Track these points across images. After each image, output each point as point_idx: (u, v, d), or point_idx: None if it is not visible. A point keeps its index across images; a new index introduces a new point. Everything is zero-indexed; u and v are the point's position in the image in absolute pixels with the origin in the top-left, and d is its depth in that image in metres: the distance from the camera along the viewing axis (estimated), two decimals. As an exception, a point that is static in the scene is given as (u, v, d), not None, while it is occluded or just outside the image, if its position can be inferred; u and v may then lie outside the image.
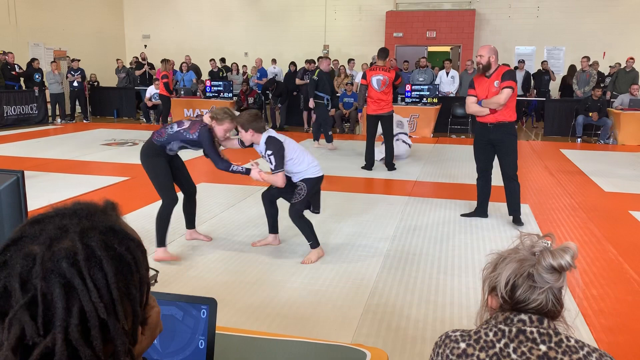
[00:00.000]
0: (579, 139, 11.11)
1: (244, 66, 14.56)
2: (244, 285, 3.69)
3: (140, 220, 4.86)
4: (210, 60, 14.55)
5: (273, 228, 4.46)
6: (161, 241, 4.07)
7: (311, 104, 9.83)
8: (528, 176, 7.46)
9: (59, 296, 0.67)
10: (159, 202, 4.12)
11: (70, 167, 7.64)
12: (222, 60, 15.06)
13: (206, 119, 4.07)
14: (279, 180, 3.97)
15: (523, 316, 1.22)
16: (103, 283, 0.71)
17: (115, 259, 0.73)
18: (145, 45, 14.41)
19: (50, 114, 13.27)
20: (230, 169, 4.01)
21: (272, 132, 4.06)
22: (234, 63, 14.66)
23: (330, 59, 11.25)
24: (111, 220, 0.78)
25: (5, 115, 12.07)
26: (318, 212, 4.37)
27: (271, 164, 3.97)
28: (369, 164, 7.77)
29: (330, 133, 9.62)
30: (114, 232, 0.76)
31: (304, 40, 16.60)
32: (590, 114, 10.90)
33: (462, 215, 5.49)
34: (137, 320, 0.77)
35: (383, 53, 7.68)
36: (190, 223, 4.55)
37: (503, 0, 15.70)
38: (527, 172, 7.73)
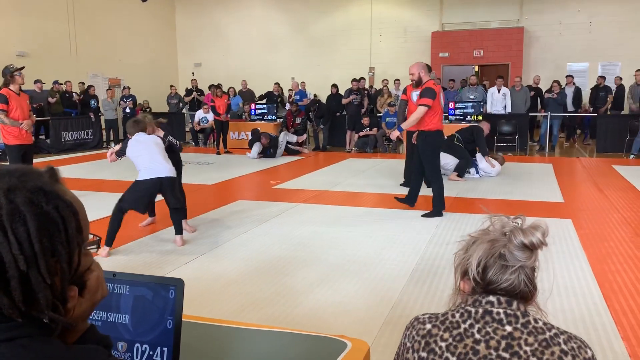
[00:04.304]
0: (631, 155, 10.60)
1: (290, 90, 14.80)
2: (265, 295, 3.70)
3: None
4: (275, 84, 14.72)
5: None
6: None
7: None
8: (575, 193, 7.15)
9: None
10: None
11: (119, 187, 7.91)
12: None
13: None
14: (109, 152, 5.15)
15: (491, 298, 1.17)
16: (25, 237, 0.74)
17: (40, 215, 0.76)
18: (193, 73, 14.88)
19: (105, 139, 13.88)
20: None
21: (136, 136, 4.96)
22: (276, 83, 14.83)
23: None
24: (43, 181, 0.81)
25: (63, 140, 12.73)
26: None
27: None
28: (408, 181, 7.65)
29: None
30: (43, 192, 0.78)
31: (350, 63, 16.74)
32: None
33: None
34: (65, 277, 0.79)
35: (424, 69, 7.63)
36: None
37: (553, 17, 15.33)
38: (575, 189, 7.42)
